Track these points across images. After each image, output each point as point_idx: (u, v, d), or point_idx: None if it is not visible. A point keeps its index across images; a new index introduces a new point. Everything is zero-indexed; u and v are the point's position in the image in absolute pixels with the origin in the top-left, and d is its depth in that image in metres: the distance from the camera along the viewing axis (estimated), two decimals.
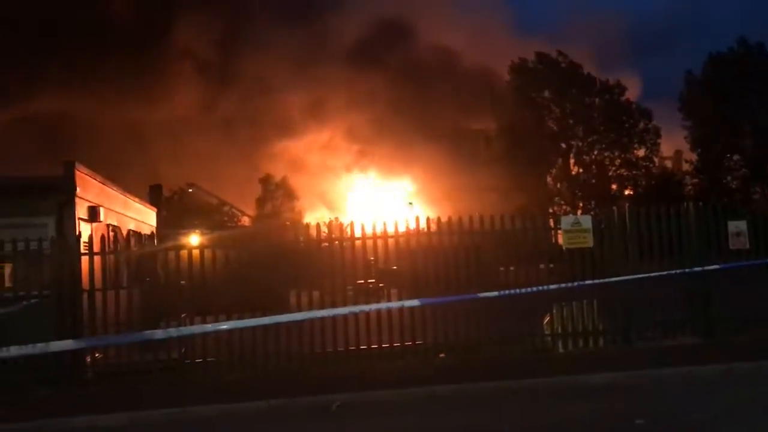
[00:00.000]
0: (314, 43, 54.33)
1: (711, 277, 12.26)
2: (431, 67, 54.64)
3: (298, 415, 8.97)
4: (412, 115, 52.54)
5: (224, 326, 10.12)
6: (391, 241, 12.49)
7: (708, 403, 8.41)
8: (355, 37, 56.49)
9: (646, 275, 11.62)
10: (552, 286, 10.47)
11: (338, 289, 12.23)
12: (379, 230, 12.49)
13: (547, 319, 12.52)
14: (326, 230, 12.74)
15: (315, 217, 39.31)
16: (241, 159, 55.14)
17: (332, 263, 12.38)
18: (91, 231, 12.74)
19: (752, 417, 7.68)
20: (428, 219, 12.71)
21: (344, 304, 11.80)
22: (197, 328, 9.49)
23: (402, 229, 12.53)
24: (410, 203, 49.66)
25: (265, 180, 56.37)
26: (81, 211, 12.74)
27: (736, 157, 54.95)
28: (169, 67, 49.08)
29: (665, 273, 11.89)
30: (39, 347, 4.85)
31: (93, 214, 13.10)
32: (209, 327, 9.76)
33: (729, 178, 55.21)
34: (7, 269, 12.27)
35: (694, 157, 56.21)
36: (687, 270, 12.00)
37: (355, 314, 11.43)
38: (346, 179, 58.38)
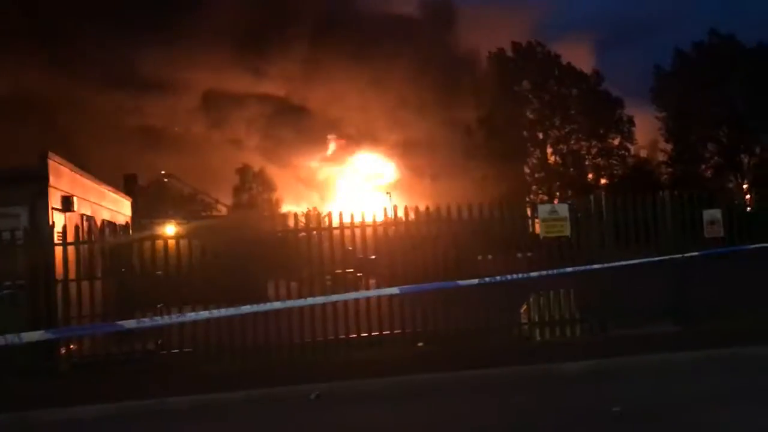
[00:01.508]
0: (290, 27, 53.66)
1: (687, 265, 12.35)
2: (408, 55, 54.33)
3: (277, 405, 8.93)
4: (389, 105, 52.48)
5: (201, 316, 9.99)
6: (369, 230, 12.46)
7: (685, 390, 8.48)
8: (327, 19, 55.81)
9: (623, 263, 11.66)
10: (532, 274, 10.46)
11: (316, 279, 12.19)
12: (357, 220, 12.44)
13: (524, 308, 12.56)
14: (304, 220, 12.67)
15: (292, 207, 39.20)
16: (218, 148, 54.88)
17: (310, 253, 12.33)
18: (65, 221, 12.57)
19: (729, 403, 7.74)
20: (406, 208, 12.69)
21: (323, 294, 11.76)
22: (169, 319, 9.37)
23: (380, 218, 12.49)
24: (388, 193, 49.63)
25: (243, 170, 56.11)
26: (54, 201, 12.55)
27: (710, 145, 55.53)
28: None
29: (642, 261, 11.94)
30: (9, 338, 4.75)
31: (66, 204, 12.90)
32: (184, 317, 9.63)
33: (703, 167, 55.84)
34: None
35: (668, 147, 56.82)
36: (663, 258, 12.08)
37: (334, 304, 11.40)
38: (324, 169, 58.25)
